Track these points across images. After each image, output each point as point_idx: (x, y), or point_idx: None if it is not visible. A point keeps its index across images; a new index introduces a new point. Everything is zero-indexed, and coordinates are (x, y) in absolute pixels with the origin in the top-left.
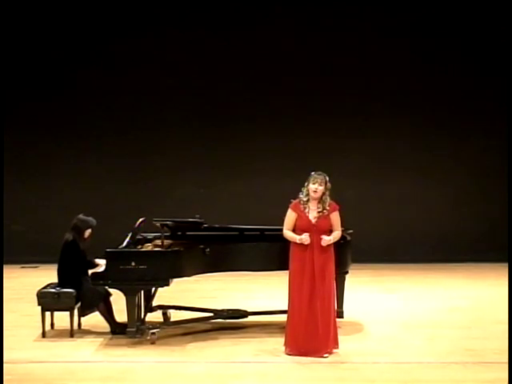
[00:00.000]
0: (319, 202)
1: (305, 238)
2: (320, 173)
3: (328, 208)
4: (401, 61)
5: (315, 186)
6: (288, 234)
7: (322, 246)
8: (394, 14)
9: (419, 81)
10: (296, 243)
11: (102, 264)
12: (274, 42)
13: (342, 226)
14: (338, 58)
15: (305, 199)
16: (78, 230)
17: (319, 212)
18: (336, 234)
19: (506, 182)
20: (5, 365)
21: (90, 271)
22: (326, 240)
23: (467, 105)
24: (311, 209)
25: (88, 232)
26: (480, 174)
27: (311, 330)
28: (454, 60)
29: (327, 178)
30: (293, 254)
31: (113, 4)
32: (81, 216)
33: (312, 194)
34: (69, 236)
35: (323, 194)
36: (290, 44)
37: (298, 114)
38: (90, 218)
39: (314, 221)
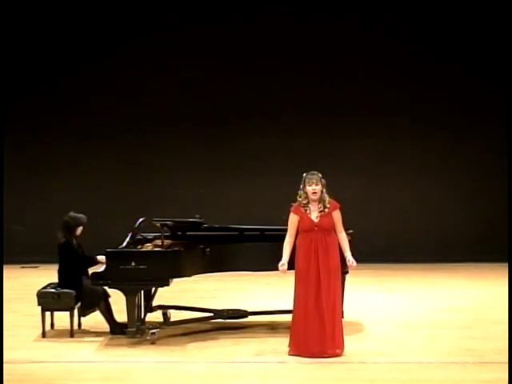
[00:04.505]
0: (319, 202)
1: (281, 268)
2: (313, 172)
3: (329, 206)
4: (401, 60)
5: (312, 188)
6: (284, 247)
7: (326, 246)
8: (395, 13)
9: (419, 80)
10: (300, 243)
11: (102, 261)
12: (273, 42)
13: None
14: (338, 57)
15: (304, 202)
16: (69, 228)
17: (320, 211)
18: (346, 244)
19: (506, 182)
20: (5, 365)
21: (90, 271)
22: (354, 262)
23: (467, 105)
24: (312, 209)
25: (79, 229)
26: (480, 174)
27: (316, 331)
28: (454, 60)
29: (320, 175)
30: (298, 254)
31: (113, 4)
32: (71, 213)
33: (312, 196)
34: (60, 238)
35: (321, 192)
36: (290, 44)
37: (298, 113)
38: (81, 215)
39: (316, 220)
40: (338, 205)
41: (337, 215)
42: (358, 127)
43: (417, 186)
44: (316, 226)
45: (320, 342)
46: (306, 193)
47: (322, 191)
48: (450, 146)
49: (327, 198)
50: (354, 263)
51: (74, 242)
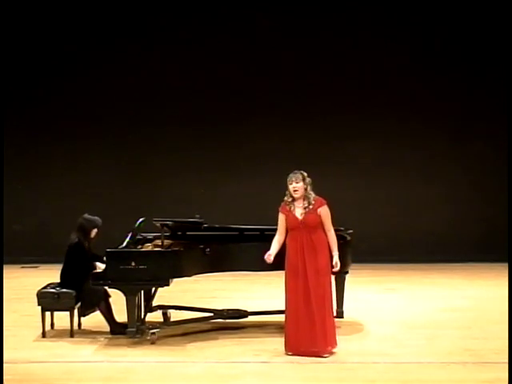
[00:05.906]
0: (304, 200)
1: (267, 257)
2: (295, 171)
3: (313, 202)
4: (401, 61)
5: (293, 186)
6: (273, 243)
7: (311, 243)
8: (394, 14)
9: (419, 81)
10: (288, 243)
11: (100, 267)
12: (273, 43)
13: (341, 226)
14: (338, 58)
15: (289, 200)
16: (84, 230)
17: (305, 208)
18: (333, 244)
19: (505, 182)
20: (5, 365)
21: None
22: (338, 264)
23: (467, 105)
24: (297, 207)
25: (94, 232)
26: (480, 174)
27: (307, 329)
28: (453, 60)
29: (305, 174)
30: (287, 254)
31: (111, 5)
32: (86, 215)
33: (294, 194)
34: (73, 238)
35: (305, 189)
36: (290, 45)
37: (298, 114)
38: (96, 218)
39: (300, 217)
40: (324, 201)
41: (324, 212)
42: (358, 128)
43: (416, 186)
44: (300, 223)
45: (311, 339)
46: (290, 192)
47: (305, 189)
48: (449, 146)
49: (312, 195)
50: (338, 266)
51: (86, 244)
